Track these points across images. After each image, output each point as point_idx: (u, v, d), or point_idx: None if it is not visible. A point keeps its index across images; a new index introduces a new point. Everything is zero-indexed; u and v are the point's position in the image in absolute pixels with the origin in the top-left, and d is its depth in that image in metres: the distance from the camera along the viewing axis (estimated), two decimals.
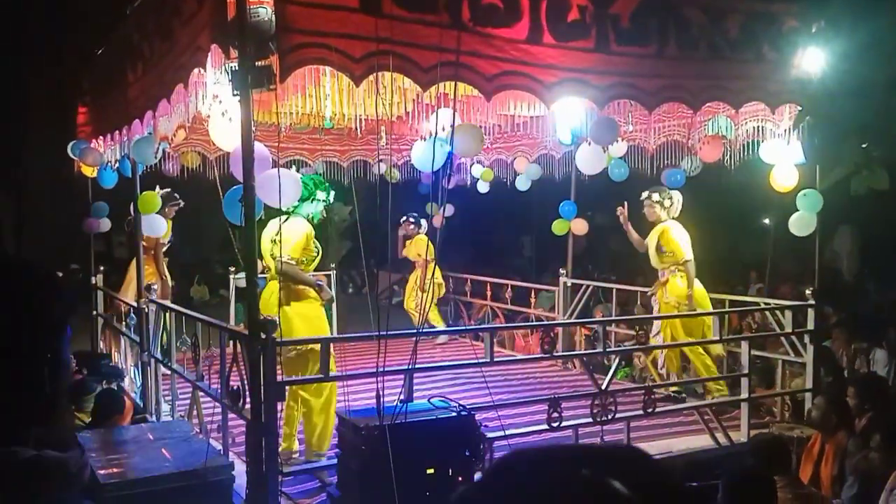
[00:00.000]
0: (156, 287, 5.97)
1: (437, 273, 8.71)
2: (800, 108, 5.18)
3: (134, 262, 7.46)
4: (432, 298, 8.40)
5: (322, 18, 3.58)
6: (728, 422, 5.44)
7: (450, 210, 8.72)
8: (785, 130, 5.34)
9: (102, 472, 3.55)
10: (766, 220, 12.70)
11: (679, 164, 6.68)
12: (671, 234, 6.41)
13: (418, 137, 6.02)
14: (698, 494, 3.51)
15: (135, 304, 5.89)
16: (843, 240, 13.33)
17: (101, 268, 7.79)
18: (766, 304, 6.41)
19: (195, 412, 5.07)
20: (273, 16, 3.51)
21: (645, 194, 6.60)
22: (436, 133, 4.47)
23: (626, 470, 0.82)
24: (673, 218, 6.54)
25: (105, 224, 7.48)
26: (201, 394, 4.79)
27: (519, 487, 0.83)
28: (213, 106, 4.00)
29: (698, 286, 6.43)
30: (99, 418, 4.79)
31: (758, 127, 5.47)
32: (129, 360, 6.48)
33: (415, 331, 4.44)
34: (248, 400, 3.84)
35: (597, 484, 0.80)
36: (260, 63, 3.52)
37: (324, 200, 5.05)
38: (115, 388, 5.64)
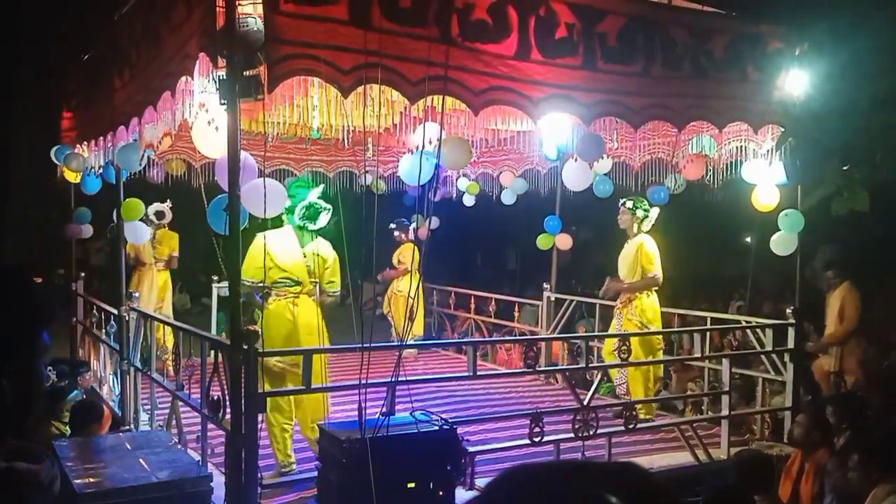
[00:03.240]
0: (136, 295, 5.92)
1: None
2: (782, 129, 5.25)
3: (139, 271, 7.52)
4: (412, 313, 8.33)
5: (311, 30, 3.59)
6: (708, 439, 5.46)
7: (435, 222, 8.73)
8: (767, 151, 5.40)
9: (79, 481, 3.51)
10: (748, 239, 12.82)
11: (663, 182, 6.73)
12: (646, 248, 6.42)
13: (405, 149, 6.02)
14: None
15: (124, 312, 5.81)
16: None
17: (82, 273, 7.72)
18: (746, 321, 6.45)
19: (174, 422, 5.01)
20: (262, 26, 3.51)
21: (623, 200, 6.62)
22: (423, 146, 4.48)
23: (624, 486, 0.84)
24: (645, 232, 6.56)
25: (87, 230, 7.42)
26: (181, 404, 4.74)
27: (518, 502, 0.84)
28: (199, 114, 3.98)
29: (654, 303, 6.42)
30: (76, 427, 4.74)
31: (741, 147, 5.53)
32: (108, 369, 6.40)
33: (398, 343, 4.43)
34: (228, 411, 3.81)
35: (595, 500, 0.81)
36: (248, 73, 3.52)
37: (326, 207, 4.92)
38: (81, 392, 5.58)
